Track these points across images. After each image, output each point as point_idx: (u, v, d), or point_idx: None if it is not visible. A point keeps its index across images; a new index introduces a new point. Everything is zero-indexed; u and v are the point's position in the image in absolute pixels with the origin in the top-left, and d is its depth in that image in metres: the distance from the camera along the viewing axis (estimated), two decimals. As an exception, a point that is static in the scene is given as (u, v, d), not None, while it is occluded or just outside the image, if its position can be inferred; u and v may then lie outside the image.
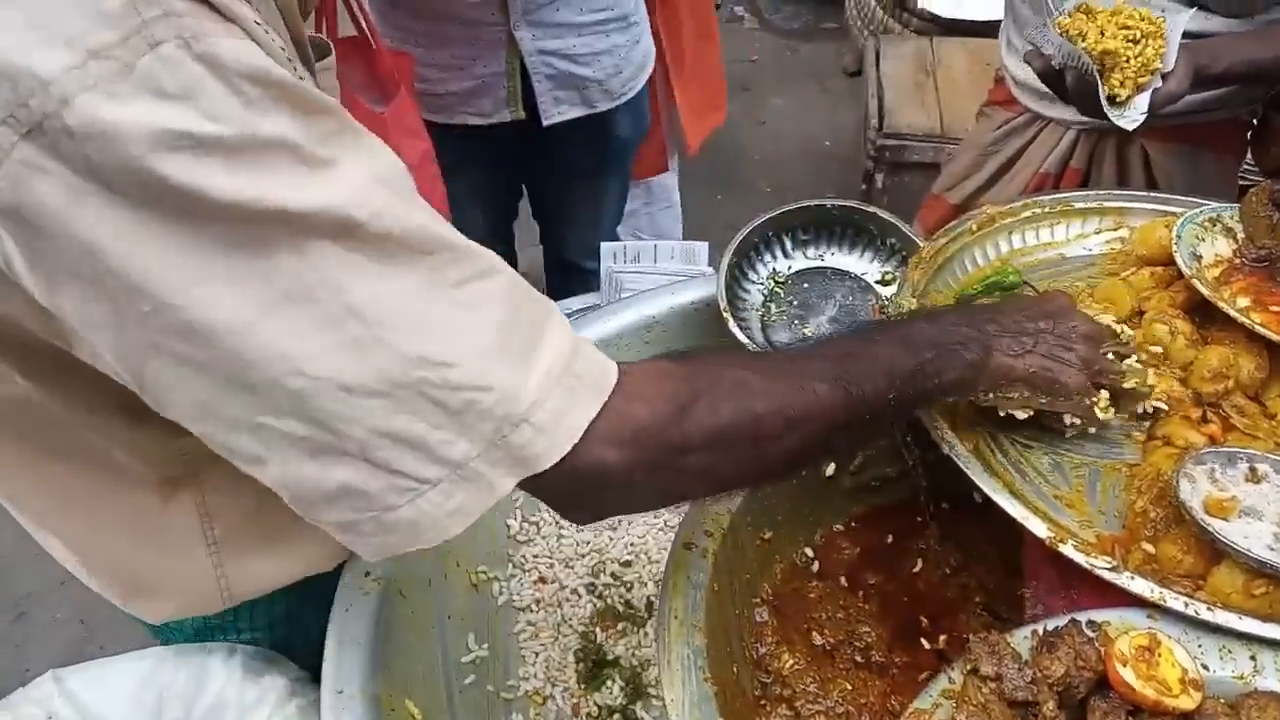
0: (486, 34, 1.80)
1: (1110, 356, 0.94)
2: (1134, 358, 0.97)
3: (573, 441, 0.66)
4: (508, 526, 1.23)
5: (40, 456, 0.83)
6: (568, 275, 2.46)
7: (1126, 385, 0.94)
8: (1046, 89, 1.67)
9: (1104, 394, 0.93)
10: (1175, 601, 0.80)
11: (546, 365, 0.66)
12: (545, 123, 1.94)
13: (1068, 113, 1.66)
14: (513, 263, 2.40)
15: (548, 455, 0.66)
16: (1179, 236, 1.09)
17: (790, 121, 4.22)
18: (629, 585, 1.21)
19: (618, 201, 2.40)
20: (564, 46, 1.86)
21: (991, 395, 0.91)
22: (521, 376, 0.65)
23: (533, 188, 2.30)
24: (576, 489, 0.70)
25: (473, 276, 0.65)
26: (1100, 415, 0.93)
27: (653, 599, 1.20)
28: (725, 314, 1.20)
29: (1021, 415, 0.93)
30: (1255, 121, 1.70)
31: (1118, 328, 1.00)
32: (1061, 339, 0.91)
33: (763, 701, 0.99)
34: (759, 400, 0.75)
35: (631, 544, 1.26)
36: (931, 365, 0.84)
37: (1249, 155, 1.80)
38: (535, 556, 1.22)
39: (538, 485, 0.68)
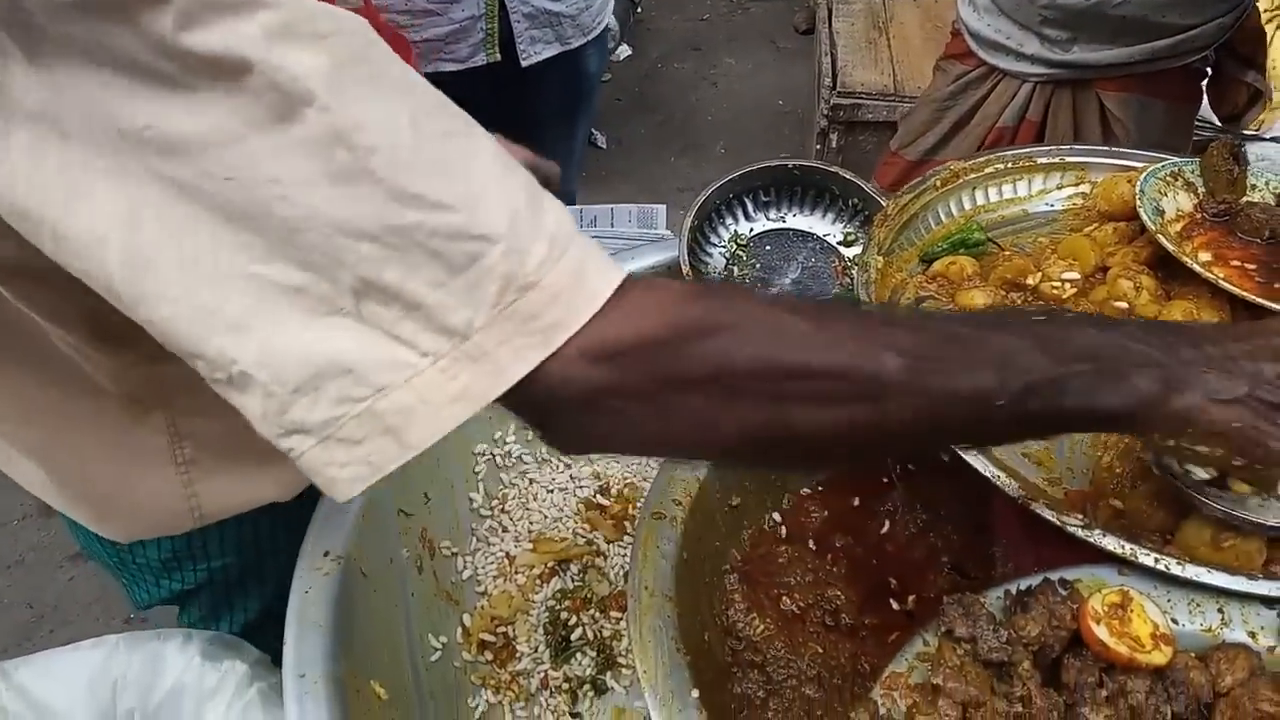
0: None
1: None
2: None
3: (593, 310, 0.56)
4: (470, 500, 1.21)
5: (10, 366, 0.79)
6: None
7: None
8: (1002, 42, 1.66)
9: None
10: (1146, 557, 0.80)
11: (552, 227, 0.57)
12: (524, 63, 1.93)
13: (1023, 64, 1.66)
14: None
15: (565, 325, 0.56)
16: (1142, 191, 1.08)
17: (743, 81, 4.19)
18: (599, 562, 1.20)
19: (583, 142, 2.39)
20: None
21: (1171, 443, 0.71)
22: (530, 231, 0.56)
23: (504, 134, 2.27)
24: (552, 406, 0.58)
25: (459, 131, 0.58)
26: None
27: (619, 574, 1.18)
28: (688, 278, 1.17)
29: (1202, 474, 0.76)
30: (1209, 70, 1.72)
31: None
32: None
33: (734, 668, 0.98)
34: (797, 350, 0.60)
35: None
36: (1079, 382, 0.64)
37: (1203, 105, 1.81)
38: (504, 530, 1.19)
39: (514, 398, 0.57)
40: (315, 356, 0.54)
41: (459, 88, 2.18)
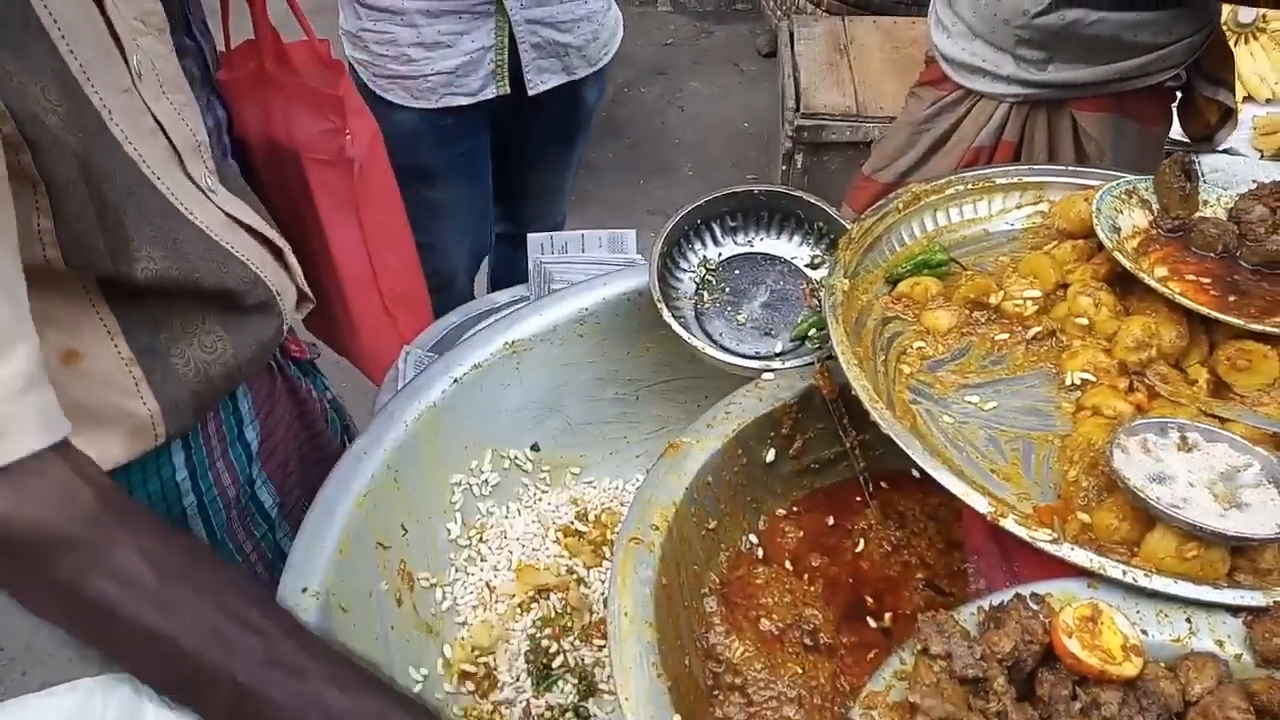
0: (477, 6, 1.84)
1: None
2: None
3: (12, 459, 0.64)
4: (448, 530, 1.21)
5: None
6: (521, 249, 2.46)
7: None
8: (978, 64, 1.70)
9: None
10: (1114, 569, 0.82)
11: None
12: (531, 93, 1.98)
13: (999, 85, 1.70)
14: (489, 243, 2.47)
15: None
16: (1098, 210, 1.11)
17: (708, 104, 4.24)
18: (579, 589, 1.20)
19: (574, 170, 2.44)
20: (548, 14, 1.91)
21: None
22: None
23: (502, 163, 2.30)
24: None
25: None
26: None
27: (600, 601, 1.19)
28: (659, 304, 1.18)
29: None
30: (1179, 91, 1.76)
31: None
32: None
33: (715, 691, 0.98)
34: (139, 608, 0.69)
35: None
36: None
37: (1174, 126, 1.86)
38: (481, 559, 1.19)
39: None
40: None
41: (469, 119, 2.21)
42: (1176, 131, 1.88)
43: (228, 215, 1.04)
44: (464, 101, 1.93)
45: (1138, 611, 0.81)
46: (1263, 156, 2.87)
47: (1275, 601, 0.79)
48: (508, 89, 1.95)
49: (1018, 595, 0.80)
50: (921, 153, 1.83)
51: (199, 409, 0.98)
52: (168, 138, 0.96)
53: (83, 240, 0.81)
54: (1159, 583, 0.81)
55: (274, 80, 1.56)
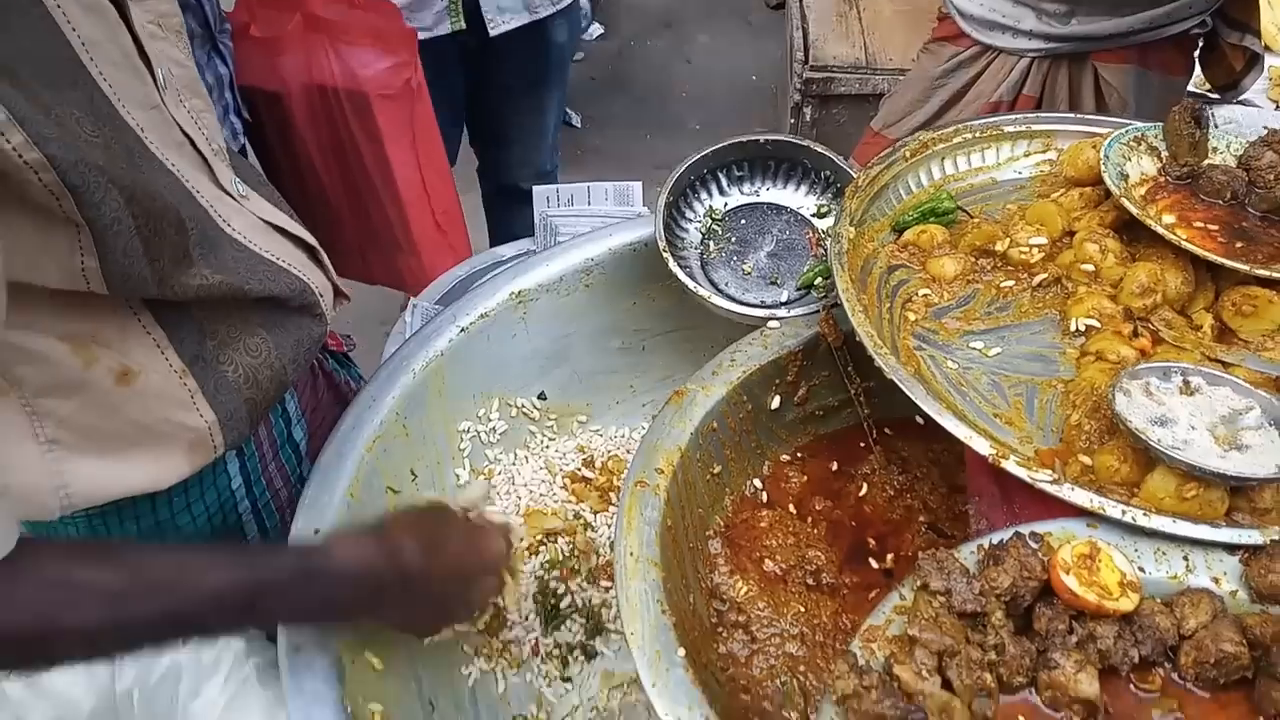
0: None
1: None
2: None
3: None
4: (456, 476, 1.23)
5: None
6: (510, 203, 2.46)
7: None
8: (997, 20, 1.67)
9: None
10: (1113, 509, 0.83)
11: None
12: (492, 32, 1.96)
13: (1020, 41, 1.67)
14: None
15: None
16: (1106, 156, 1.11)
17: (716, 57, 4.19)
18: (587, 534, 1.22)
19: (557, 116, 2.40)
20: None
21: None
22: None
23: (473, 108, 2.30)
24: None
25: None
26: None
27: (606, 545, 1.21)
28: (665, 254, 1.19)
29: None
30: (1202, 41, 1.73)
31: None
32: (456, 598, 0.99)
33: (719, 628, 1.01)
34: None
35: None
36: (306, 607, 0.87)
37: (1194, 77, 1.83)
38: (490, 505, 1.21)
39: None
40: None
41: (428, 56, 2.24)
42: (1197, 82, 1.86)
43: (263, 220, 1.01)
44: (422, 36, 1.90)
45: (1136, 550, 0.83)
46: (1278, 108, 2.83)
47: (1272, 540, 0.80)
48: (463, 25, 1.93)
49: (1017, 534, 0.81)
50: (936, 108, 1.81)
51: (253, 417, 0.97)
52: (195, 148, 0.93)
53: (129, 272, 0.79)
54: (1158, 522, 0.82)
55: (330, 26, 1.63)
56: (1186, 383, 0.91)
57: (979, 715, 0.74)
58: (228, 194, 0.96)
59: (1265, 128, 1.14)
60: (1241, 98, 2.47)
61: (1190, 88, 1.87)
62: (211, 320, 0.93)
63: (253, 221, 0.98)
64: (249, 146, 1.87)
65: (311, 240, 1.07)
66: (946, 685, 0.74)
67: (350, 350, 1.38)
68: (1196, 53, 1.71)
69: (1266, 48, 2.94)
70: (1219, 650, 0.75)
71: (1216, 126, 1.18)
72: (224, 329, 0.94)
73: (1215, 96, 1.90)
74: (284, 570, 0.86)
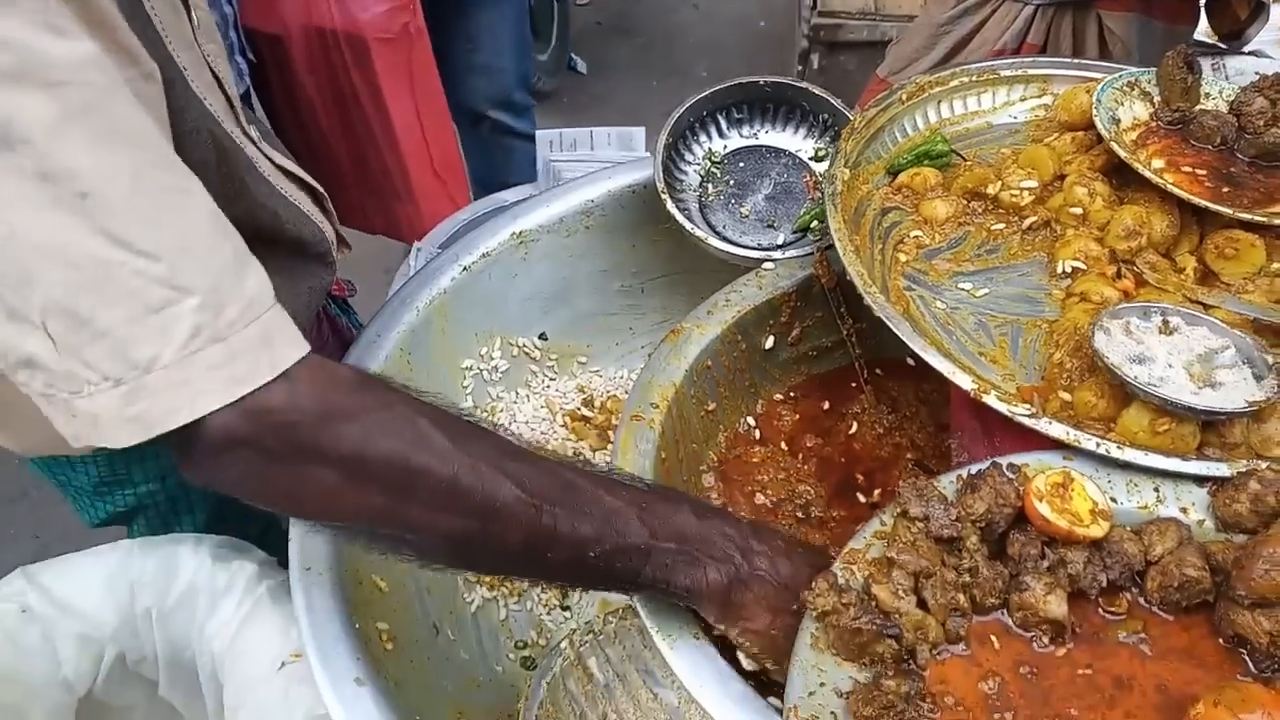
0: None
1: None
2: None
3: (270, 376, 0.64)
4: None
5: None
6: (480, 131, 2.43)
7: None
8: None
9: None
10: (1088, 442, 0.86)
11: (251, 293, 0.66)
12: None
13: None
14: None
15: (242, 382, 0.64)
16: (1099, 101, 1.12)
17: (723, 3, 4.15)
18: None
19: (517, 29, 2.36)
20: None
21: (724, 628, 0.81)
22: (229, 291, 0.64)
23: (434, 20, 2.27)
24: (200, 445, 0.66)
25: (180, 188, 0.65)
26: None
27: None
28: (663, 195, 1.21)
29: (747, 665, 0.84)
30: None
31: None
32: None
33: (712, 559, 1.05)
34: (428, 456, 0.69)
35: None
36: (662, 558, 0.76)
37: (1199, 25, 1.83)
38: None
39: (178, 431, 0.65)
40: (19, 350, 0.63)
41: None
42: (1205, 31, 1.85)
43: (276, 165, 1.02)
44: None
45: (1109, 481, 0.86)
46: (1290, 58, 2.80)
47: (1239, 472, 0.83)
48: None
49: (994, 463, 0.84)
50: (941, 55, 1.81)
51: None
52: (222, 90, 0.93)
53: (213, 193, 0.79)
54: (1130, 454, 0.85)
55: None
56: (1166, 322, 0.94)
57: (952, 633, 0.78)
58: (248, 137, 0.98)
59: (1257, 73, 1.15)
60: (1254, 48, 2.45)
61: (1200, 36, 1.87)
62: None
63: (269, 167, 1.00)
64: (253, 91, 1.88)
65: (319, 187, 1.10)
66: (922, 605, 0.78)
67: (351, 295, 1.42)
68: (1202, 1, 1.71)
69: (1276, -3, 2.88)
70: (1182, 574, 0.78)
71: (1228, 78, 1.19)
72: None
73: (1221, 45, 1.89)
74: (649, 490, 0.80)
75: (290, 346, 0.68)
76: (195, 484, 0.71)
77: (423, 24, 1.81)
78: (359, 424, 0.68)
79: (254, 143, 0.99)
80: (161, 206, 0.63)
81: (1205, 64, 2.27)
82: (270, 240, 0.93)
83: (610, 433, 1.31)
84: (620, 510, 0.75)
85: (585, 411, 1.34)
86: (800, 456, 1.14)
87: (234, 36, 1.68)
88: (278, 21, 1.72)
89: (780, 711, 0.75)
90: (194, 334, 0.63)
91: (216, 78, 0.92)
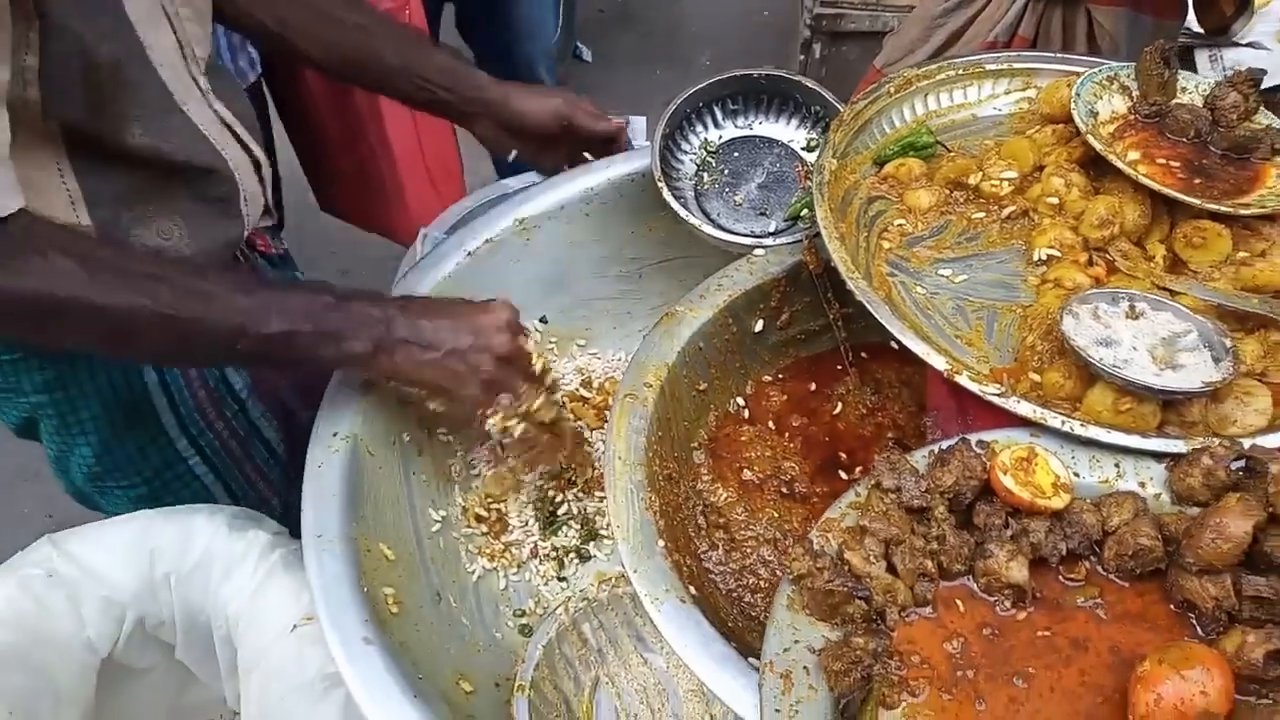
0: None
1: (524, 384, 1.07)
2: (558, 394, 1.13)
3: None
4: (463, 392, 1.31)
5: None
6: None
7: (533, 409, 1.08)
8: None
9: (499, 415, 1.06)
10: (1054, 420, 0.91)
11: None
12: None
13: None
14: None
15: None
16: (1078, 95, 1.17)
17: (727, -8, 4.18)
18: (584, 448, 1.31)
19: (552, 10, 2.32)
20: None
21: (391, 382, 1.06)
22: None
23: None
24: None
25: None
26: (490, 428, 1.06)
27: (600, 459, 1.30)
28: (659, 183, 1.26)
29: (432, 405, 1.07)
30: None
31: (535, 360, 1.09)
32: (477, 352, 1.03)
33: (702, 529, 1.10)
34: (65, 286, 0.85)
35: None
36: (303, 339, 0.96)
37: (1187, 19, 1.86)
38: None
39: None
40: None
41: None
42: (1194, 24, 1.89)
43: (219, 117, 1.11)
44: None
45: (1073, 457, 0.91)
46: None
47: (1194, 449, 0.88)
48: None
49: (963, 439, 0.89)
50: (936, 47, 1.85)
51: None
52: (176, 36, 1.03)
53: (65, 88, 0.90)
54: (1094, 432, 0.90)
55: None
56: (1132, 307, 0.99)
57: (920, 597, 0.83)
58: (196, 85, 1.07)
59: (1231, 69, 1.19)
60: (1253, 39, 2.48)
61: (1196, 29, 1.90)
62: (132, 193, 1.03)
63: (210, 115, 1.10)
64: (265, 85, 1.92)
65: (261, 157, 1.18)
66: (892, 570, 0.83)
67: (282, 253, 1.47)
68: None
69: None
70: (1136, 544, 0.84)
71: (1225, 70, 1.23)
72: (141, 206, 1.04)
73: (1213, 38, 1.93)
74: (289, 286, 1.01)
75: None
76: None
77: (423, 21, 1.84)
78: (28, 265, 0.84)
79: (202, 92, 1.08)
80: None
81: (1203, 55, 2.31)
82: (160, 163, 1.03)
83: (608, 412, 1.35)
84: (255, 308, 0.94)
85: (584, 392, 1.39)
86: (787, 435, 1.19)
87: (239, 33, 1.73)
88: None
89: (759, 670, 0.81)
90: None
91: (170, 21, 1.02)
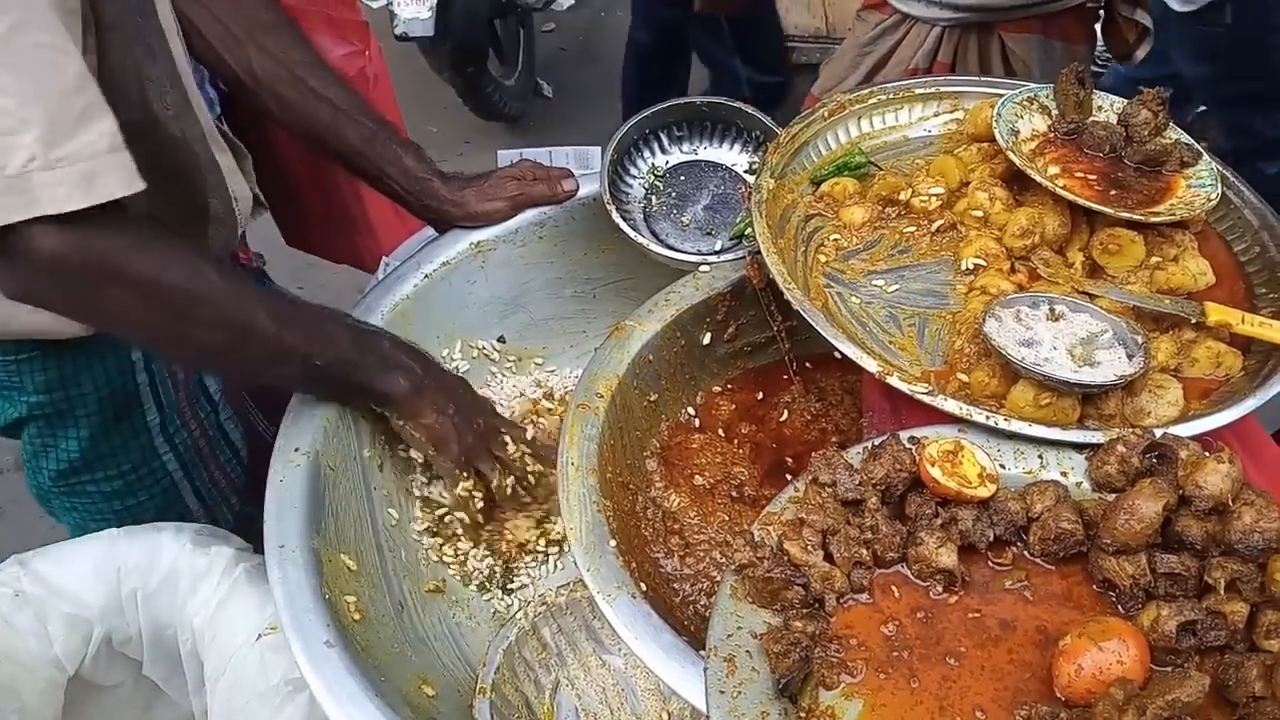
0: None
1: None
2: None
3: (83, 204, 0.84)
4: (423, 411, 1.35)
5: None
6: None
7: (494, 483, 1.20)
8: None
9: (472, 481, 1.19)
10: (979, 415, 0.97)
11: (91, 139, 0.85)
12: None
13: (931, 10, 1.81)
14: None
15: (59, 203, 0.84)
16: (999, 115, 1.24)
17: (684, 28, 4.28)
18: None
19: None
20: None
21: (401, 423, 1.16)
22: (68, 132, 0.84)
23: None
24: (16, 257, 0.86)
25: (51, 46, 0.83)
26: (458, 490, 1.19)
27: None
28: (609, 206, 1.31)
29: (414, 455, 1.21)
30: (1102, 13, 1.87)
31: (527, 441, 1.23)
32: (475, 431, 1.17)
33: (656, 535, 1.14)
34: (205, 286, 0.95)
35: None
36: (366, 368, 1.10)
37: (1098, 45, 1.97)
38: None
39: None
40: None
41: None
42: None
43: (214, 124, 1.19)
44: None
45: (999, 450, 0.97)
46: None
47: (1110, 439, 0.94)
48: None
49: (894, 435, 0.95)
50: (864, 74, 1.94)
51: None
52: (185, 43, 1.13)
53: (124, 81, 0.98)
54: (1016, 426, 0.96)
55: (293, 12, 1.72)
56: (1052, 310, 1.05)
57: (856, 583, 0.88)
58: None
59: (1141, 89, 1.27)
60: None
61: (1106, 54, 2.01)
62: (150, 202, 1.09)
63: (209, 124, 1.20)
64: (224, 124, 1.96)
65: (244, 152, 1.30)
66: (829, 559, 0.88)
67: (261, 266, 1.52)
68: (1099, 24, 1.85)
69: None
70: (1059, 528, 0.89)
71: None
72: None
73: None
74: (342, 322, 1.13)
75: (111, 188, 0.87)
76: (6, 294, 0.92)
77: (381, 69, 1.87)
78: (152, 254, 0.92)
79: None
80: (25, 59, 0.82)
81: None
82: (179, 189, 1.12)
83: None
84: (337, 334, 1.08)
85: (545, 404, 1.43)
86: (736, 442, 1.24)
87: (204, 67, 1.78)
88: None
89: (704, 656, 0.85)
90: (29, 159, 0.83)
91: (181, 30, 1.13)
